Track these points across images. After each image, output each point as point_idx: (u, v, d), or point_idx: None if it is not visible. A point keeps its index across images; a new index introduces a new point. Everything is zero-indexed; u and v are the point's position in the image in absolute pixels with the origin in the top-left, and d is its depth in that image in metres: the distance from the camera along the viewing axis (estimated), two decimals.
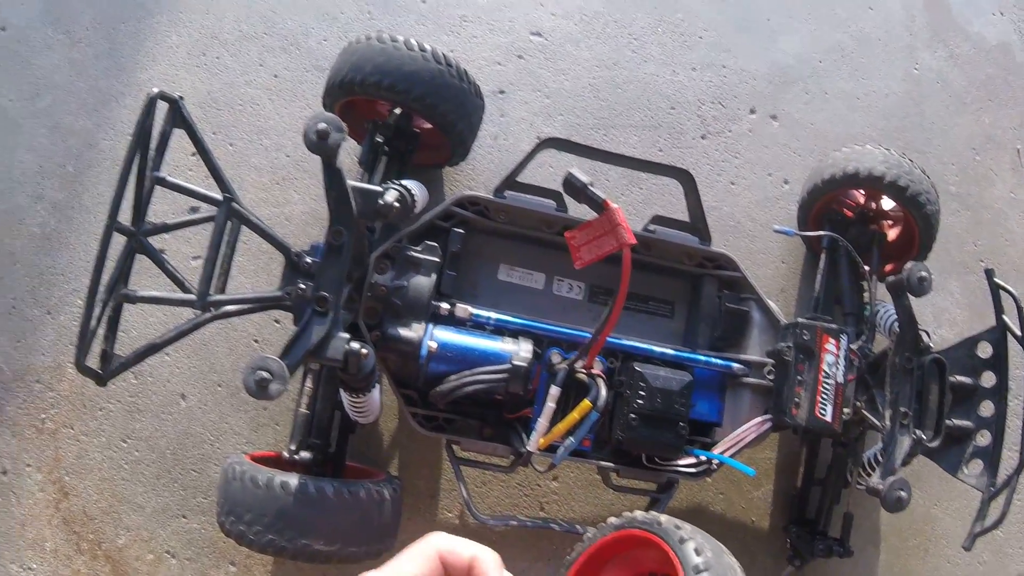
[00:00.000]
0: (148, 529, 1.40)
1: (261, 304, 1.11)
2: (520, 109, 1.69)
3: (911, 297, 1.23)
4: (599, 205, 1.03)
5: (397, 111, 1.36)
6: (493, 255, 1.26)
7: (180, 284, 1.09)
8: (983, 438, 1.30)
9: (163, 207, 1.41)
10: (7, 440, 1.42)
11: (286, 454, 1.23)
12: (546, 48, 1.75)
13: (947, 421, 1.29)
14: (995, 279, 1.29)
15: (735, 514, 1.55)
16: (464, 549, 0.57)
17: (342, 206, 1.05)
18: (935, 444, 1.27)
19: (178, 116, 1.08)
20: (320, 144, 0.98)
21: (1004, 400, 1.29)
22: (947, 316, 1.75)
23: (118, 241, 1.05)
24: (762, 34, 1.88)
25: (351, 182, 1.06)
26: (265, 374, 0.93)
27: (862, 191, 1.52)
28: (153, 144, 1.07)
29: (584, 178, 1.04)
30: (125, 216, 1.05)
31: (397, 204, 1.07)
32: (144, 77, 1.60)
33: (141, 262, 1.08)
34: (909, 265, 1.18)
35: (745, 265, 1.62)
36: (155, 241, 1.09)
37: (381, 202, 1.06)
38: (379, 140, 1.35)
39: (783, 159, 1.77)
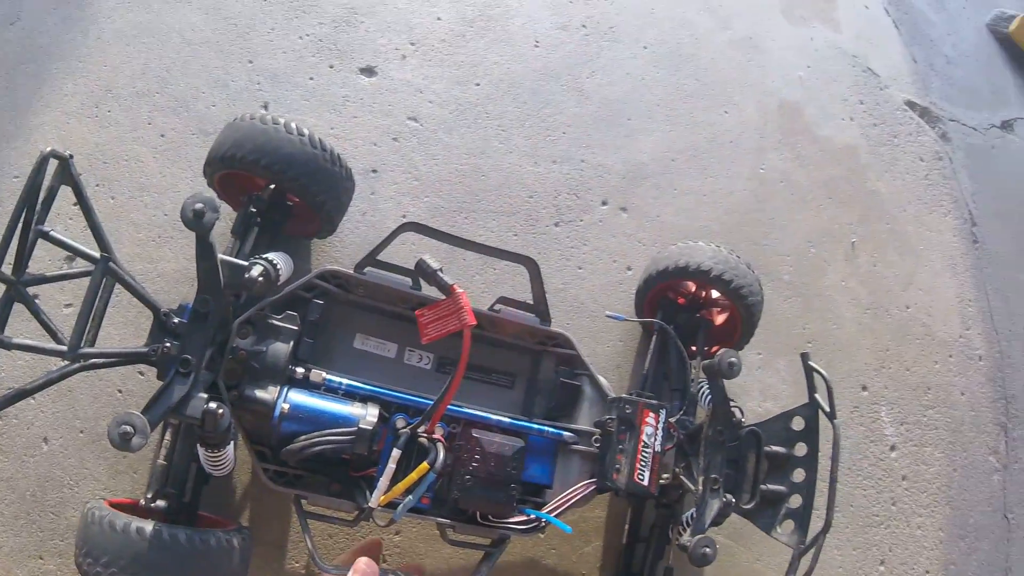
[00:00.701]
0: (4, 568, 1.43)
1: (128, 358, 1.20)
2: (390, 188, 1.82)
3: (724, 380, 1.38)
4: (446, 289, 1.18)
5: (271, 187, 1.47)
6: (350, 325, 1.38)
7: (54, 334, 1.17)
8: (795, 501, 1.44)
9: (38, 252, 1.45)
10: None
11: (143, 502, 1.31)
12: (420, 133, 1.89)
13: (762, 486, 1.44)
14: (809, 362, 1.44)
15: (566, 568, 1.67)
16: None
17: (211, 277, 1.16)
18: (751, 506, 1.42)
19: (67, 173, 1.16)
20: (195, 222, 1.09)
21: (814, 467, 1.44)
22: (772, 391, 1.93)
23: None
24: (622, 133, 2.07)
25: (221, 256, 1.17)
26: (128, 428, 1.02)
27: (692, 282, 1.69)
28: (40, 197, 1.14)
29: (434, 264, 1.19)
30: (6, 265, 1.12)
31: (261, 279, 1.19)
32: (36, 122, 1.68)
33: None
34: (720, 352, 1.35)
35: (586, 342, 1.81)
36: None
37: (247, 276, 1.18)
38: (253, 211, 1.46)
39: (628, 248, 1.94)
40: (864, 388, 2.04)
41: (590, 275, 1.90)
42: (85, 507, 1.23)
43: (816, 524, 1.39)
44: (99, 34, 1.78)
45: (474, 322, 1.15)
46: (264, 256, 1.29)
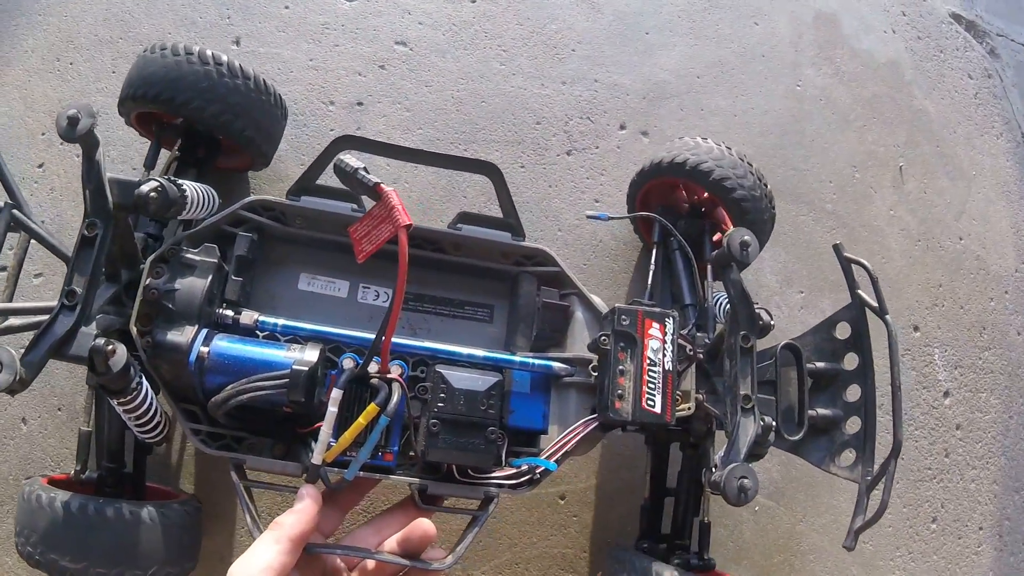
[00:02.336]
0: None
1: (40, 315, 0.97)
2: (378, 122, 1.55)
3: (740, 271, 1.03)
4: (372, 190, 0.86)
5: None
6: (293, 264, 1.10)
7: None
8: (853, 426, 1.11)
9: None
10: None
11: (71, 474, 1.12)
12: (410, 58, 1.61)
13: (810, 411, 1.10)
14: (844, 253, 1.10)
15: (591, 536, 1.40)
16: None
17: (98, 198, 0.90)
18: (799, 437, 1.08)
19: None
20: (70, 131, 0.85)
21: (871, 381, 1.09)
22: None
23: None
24: (639, 48, 1.75)
25: (110, 174, 0.91)
26: None
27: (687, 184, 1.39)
28: None
29: (355, 163, 0.87)
30: None
31: (154, 194, 0.92)
32: None
33: None
34: (730, 231, 1.00)
35: (606, 285, 1.51)
36: None
37: (137, 192, 0.91)
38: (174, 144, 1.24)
39: None
40: (916, 328, 1.72)
41: (608, 208, 1.59)
42: (22, 485, 1.08)
43: (884, 450, 1.05)
44: None
45: (409, 222, 0.83)
46: (168, 176, 1.01)
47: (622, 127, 1.68)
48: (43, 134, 1.43)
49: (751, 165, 1.29)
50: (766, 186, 1.31)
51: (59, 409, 1.31)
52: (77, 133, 0.85)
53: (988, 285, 1.82)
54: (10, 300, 0.99)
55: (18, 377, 0.81)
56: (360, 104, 1.55)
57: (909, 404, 1.66)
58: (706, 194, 1.33)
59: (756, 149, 1.73)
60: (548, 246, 1.11)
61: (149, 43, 1.21)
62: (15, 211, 0.97)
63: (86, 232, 0.90)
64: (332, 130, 1.51)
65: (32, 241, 1.06)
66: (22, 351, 0.86)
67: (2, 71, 1.47)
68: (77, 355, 0.88)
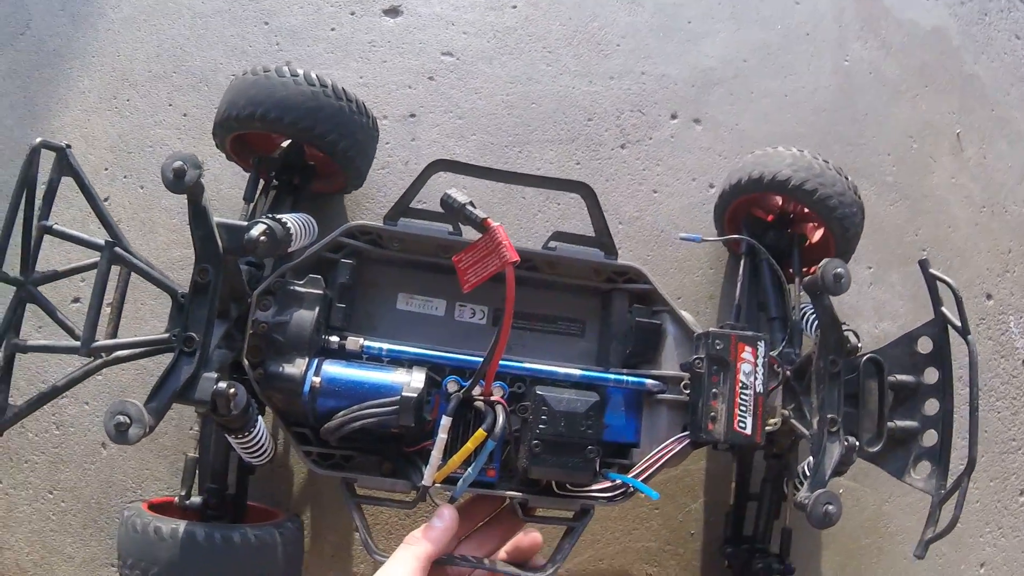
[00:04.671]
0: None
1: (149, 347, 1.03)
2: (431, 132, 1.62)
3: (832, 297, 1.11)
4: (480, 225, 0.94)
5: (285, 143, 1.31)
6: (390, 285, 1.17)
7: (71, 332, 1.03)
8: (930, 438, 1.18)
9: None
10: None
11: (176, 500, 1.18)
12: (457, 68, 1.68)
13: (889, 423, 1.17)
14: (930, 270, 1.17)
15: (672, 527, 1.46)
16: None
17: (208, 244, 0.98)
18: (877, 448, 1.16)
19: (65, 164, 1.03)
20: (177, 183, 0.91)
21: (950, 396, 1.17)
22: (888, 309, 1.66)
23: (8, 292, 1.01)
24: (683, 38, 1.80)
25: (218, 219, 0.99)
26: (123, 418, 0.87)
27: (775, 195, 1.44)
28: (42, 193, 1.03)
29: (462, 198, 0.96)
30: (14, 266, 1.01)
31: (264, 238, 0.99)
32: (57, 124, 1.55)
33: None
34: (824, 263, 1.07)
35: (671, 275, 1.57)
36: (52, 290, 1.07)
37: (247, 237, 0.98)
38: (271, 174, 1.30)
39: (707, 163, 1.69)
40: (989, 297, 1.75)
41: (667, 198, 1.65)
42: (123, 511, 1.14)
43: (958, 464, 1.13)
44: (108, 25, 1.63)
45: (516, 258, 0.91)
46: (272, 215, 1.08)
47: (674, 116, 1.73)
48: (106, 169, 1.51)
49: (847, 179, 1.34)
50: (859, 198, 1.36)
51: None
52: (185, 184, 0.91)
53: None
54: (115, 334, 1.05)
55: (147, 430, 0.89)
56: (413, 116, 1.62)
57: (988, 374, 1.69)
58: (804, 207, 1.38)
59: (810, 128, 1.77)
60: (629, 255, 1.18)
61: (248, 66, 1.27)
62: (116, 248, 1.03)
63: (199, 279, 0.98)
64: (388, 143, 1.58)
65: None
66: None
67: (61, 112, 1.55)
68: (200, 399, 0.96)
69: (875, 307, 1.66)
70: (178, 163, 0.91)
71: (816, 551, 1.51)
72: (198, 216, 0.96)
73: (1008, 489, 1.64)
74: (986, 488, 1.63)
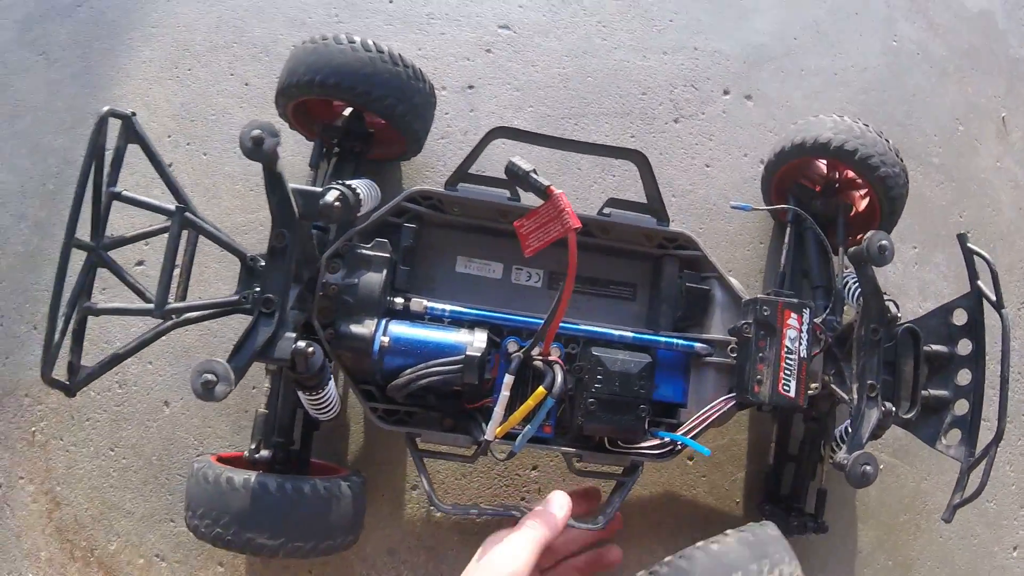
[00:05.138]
0: (138, 534, 1.40)
1: (220, 309, 1.10)
2: (490, 103, 1.67)
3: (875, 268, 1.16)
4: (543, 191, 1.00)
5: (347, 111, 1.37)
6: (450, 248, 1.24)
7: (141, 294, 1.10)
8: (961, 407, 1.24)
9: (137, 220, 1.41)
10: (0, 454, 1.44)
11: (246, 453, 1.24)
12: (514, 41, 1.73)
13: (923, 391, 1.23)
14: (968, 244, 1.22)
15: (719, 495, 1.52)
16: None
17: (284, 209, 1.04)
18: (911, 415, 1.21)
19: (131, 132, 1.09)
20: (256, 151, 0.97)
21: (982, 367, 1.23)
22: (932, 289, 1.70)
23: (80, 256, 1.07)
24: (734, 14, 1.84)
25: (292, 185, 1.05)
26: (210, 376, 0.93)
27: (824, 162, 1.48)
28: (110, 160, 1.08)
29: (526, 166, 1.02)
30: (85, 231, 1.07)
31: (338, 204, 1.05)
32: (118, 93, 1.61)
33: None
34: (869, 234, 1.12)
35: (723, 247, 1.62)
36: (116, 254, 1.11)
37: (322, 202, 1.05)
38: (333, 141, 1.36)
39: (759, 139, 1.73)
40: None
41: (720, 172, 1.70)
42: (192, 464, 1.19)
43: (986, 434, 1.18)
44: None
45: (578, 224, 0.97)
46: (342, 181, 1.15)
47: (726, 92, 1.77)
48: (168, 137, 1.58)
49: (888, 141, 1.38)
50: (902, 159, 1.39)
51: None
52: (264, 151, 0.97)
53: None
54: (184, 296, 1.11)
55: (232, 386, 0.95)
56: (471, 87, 1.68)
57: None
58: (848, 172, 1.42)
59: (859, 107, 1.80)
60: (681, 226, 1.23)
61: (308, 35, 1.31)
62: (186, 213, 1.09)
63: (275, 243, 1.05)
64: (447, 113, 1.63)
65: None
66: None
67: (122, 82, 1.62)
68: (280, 358, 1.03)
69: (920, 286, 1.70)
70: (256, 131, 0.96)
71: (853, 524, 1.55)
72: (274, 182, 1.03)
73: None
74: (1023, 472, 1.66)
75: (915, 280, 1.70)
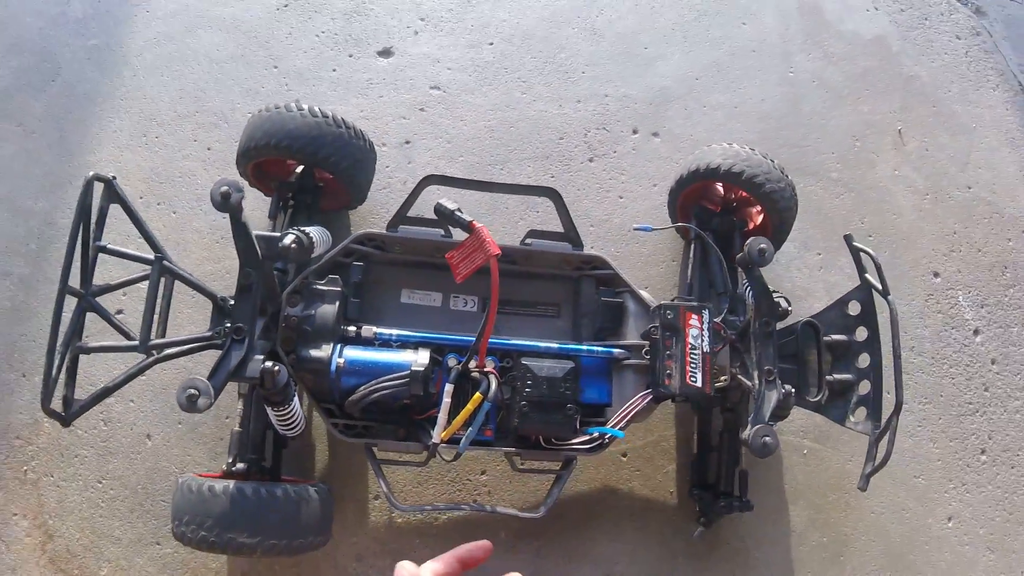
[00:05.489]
0: (127, 559, 1.53)
1: (196, 343, 1.27)
2: (425, 155, 1.87)
3: (763, 270, 1.35)
4: (466, 226, 1.19)
5: (299, 169, 1.56)
6: (394, 282, 1.42)
7: (126, 334, 1.25)
8: (864, 387, 1.40)
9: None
10: None
11: (224, 467, 1.40)
12: (445, 99, 1.93)
13: (828, 377, 1.40)
14: (854, 243, 1.40)
15: (653, 487, 1.68)
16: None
17: (249, 252, 1.22)
18: (820, 399, 1.39)
19: (112, 193, 1.24)
20: (224, 203, 1.14)
21: (878, 349, 1.39)
22: (838, 290, 1.83)
23: (71, 303, 1.20)
24: (640, 62, 2.06)
25: (256, 231, 1.23)
26: (193, 391, 1.10)
27: (720, 185, 1.67)
28: (94, 218, 1.23)
29: (451, 205, 1.21)
30: (75, 281, 1.20)
31: (294, 245, 1.25)
32: (92, 160, 1.78)
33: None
34: (749, 240, 1.31)
35: (640, 267, 1.81)
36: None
37: (281, 244, 1.24)
38: (288, 195, 1.55)
39: (666, 170, 1.92)
40: (936, 275, 1.96)
41: (632, 202, 1.90)
42: (177, 479, 1.35)
43: (889, 407, 1.34)
44: (134, 72, 1.88)
45: (498, 251, 1.16)
46: (297, 227, 1.34)
47: (635, 131, 1.97)
48: (141, 198, 1.75)
49: (773, 161, 1.57)
50: (787, 176, 1.58)
51: (179, 423, 1.61)
52: (231, 204, 1.14)
53: (1004, 227, 2.04)
54: (163, 334, 1.26)
55: (212, 400, 1.12)
56: (408, 142, 1.87)
57: (940, 344, 1.89)
58: (741, 192, 1.60)
59: (758, 135, 2.01)
60: (599, 251, 1.43)
61: (262, 104, 1.49)
62: (164, 262, 1.25)
63: (243, 280, 1.23)
64: (387, 166, 1.82)
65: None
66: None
67: (96, 149, 1.79)
68: (251, 376, 1.21)
69: (825, 288, 1.88)
70: (224, 187, 1.14)
71: (784, 507, 1.71)
72: (239, 230, 1.20)
73: (968, 448, 1.82)
74: (947, 448, 1.81)
75: (821, 283, 1.89)
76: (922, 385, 1.84)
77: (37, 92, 1.85)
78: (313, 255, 1.36)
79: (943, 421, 1.84)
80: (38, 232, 1.72)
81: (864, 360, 1.43)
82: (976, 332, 1.93)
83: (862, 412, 1.40)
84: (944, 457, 1.81)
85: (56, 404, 1.19)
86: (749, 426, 1.29)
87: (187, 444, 1.61)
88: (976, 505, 1.79)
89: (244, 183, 1.21)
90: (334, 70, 1.92)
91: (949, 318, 1.93)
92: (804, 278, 1.89)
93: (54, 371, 1.18)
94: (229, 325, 1.23)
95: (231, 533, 1.23)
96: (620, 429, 1.34)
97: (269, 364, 1.20)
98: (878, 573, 1.70)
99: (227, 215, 1.17)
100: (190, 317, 1.67)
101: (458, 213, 1.21)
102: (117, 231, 1.59)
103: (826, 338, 1.43)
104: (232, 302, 1.26)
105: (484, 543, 0.75)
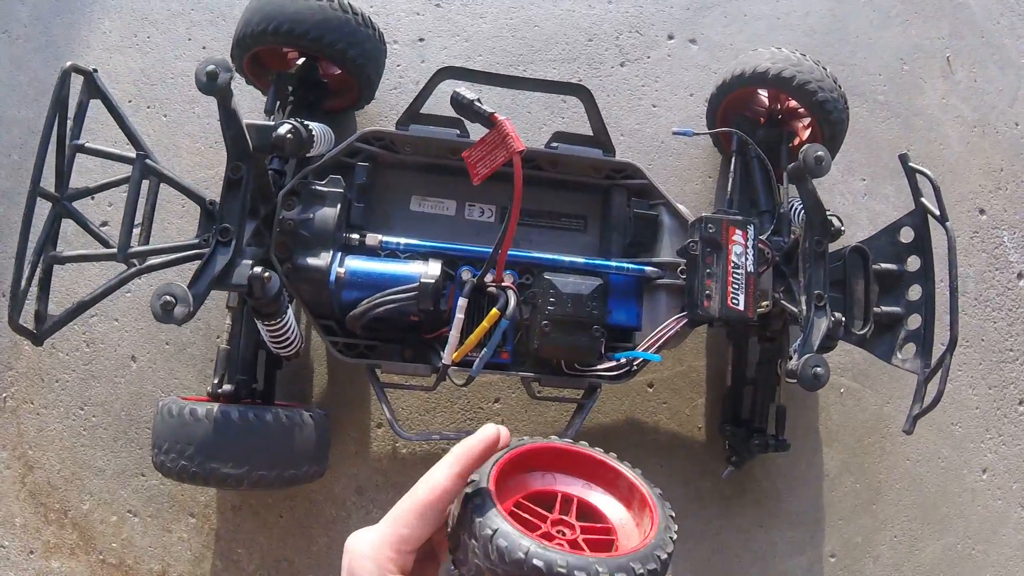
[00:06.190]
0: (110, 491, 1.43)
1: (181, 252, 1.12)
2: (440, 55, 1.70)
3: (816, 183, 1.20)
4: (487, 119, 1.03)
5: (300, 62, 1.39)
6: (404, 188, 1.27)
7: (105, 243, 1.12)
8: (914, 322, 1.27)
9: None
10: None
11: (209, 389, 1.26)
12: None
13: (875, 309, 1.27)
14: (910, 163, 1.25)
15: (680, 421, 1.56)
16: (445, 479, 0.59)
17: (239, 142, 1.07)
18: (865, 332, 1.25)
19: (93, 87, 1.12)
20: (210, 85, 1.00)
21: (931, 281, 1.26)
22: (882, 219, 1.71)
23: (45, 209, 1.08)
24: None
25: (247, 120, 1.08)
26: (169, 298, 0.96)
27: (766, 94, 1.52)
28: (72, 115, 1.11)
29: (471, 95, 1.04)
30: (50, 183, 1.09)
31: (291, 136, 1.08)
32: (80, 63, 1.61)
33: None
34: (805, 147, 1.16)
35: (672, 182, 1.65)
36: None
37: (275, 134, 1.08)
38: (288, 90, 1.38)
39: (704, 79, 1.76)
40: (982, 212, 1.82)
41: (666, 112, 1.74)
42: (157, 403, 1.22)
43: (941, 344, 1.20)
44: None
45: (522, 147, 1.00)
46: (296, 118, 1.17)
47: (670, 37, 1.80)
48: (130, 101, 1.60)
49: (825, 69, 1.42)
50: (840, 87, 1.43)
51: (167, 343, 1.48)
52: (217, 85, 1.00)
53: None
54: (147, 243, 1.12)
55: (190, 310, 0.98)
56: (422, 40, 1.70)
57: (983, 286, 1.76)
58: (790, 102, 1.46)
59: (802, 48, 1.78)
60: (658, 170, 1.25)
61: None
62: (147, 160, 1.11)
63: (231, 174, 1.08)
64: (399, 65, 1.67)
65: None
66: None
67: (84, 53, 1.64)
68: (237, 284, 1.06)
69: (869, 217, 1.74)
70: (211, 67, 1.00)
71: (818, 448, 1.59)
72: (229, 117, 1.05)
73: (1007, 398, 1.71)
74: (985, 395, 1.70)
75: (865, 211, 1.74)
76: (964, 327, 1.70)
77: None
78: (313, 152, 1.20)
79: (983, 367, 1.72)
80: (21, 142, 1.59)
81: (915, 292, 1.29)
82: (1020, 276, 1.79)
83: (911, 348, 1.26)
84: (982, 405, 1.70)
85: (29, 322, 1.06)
86: (796, 355, 1.15)
87: (174, 366, 1.48)
88: (1011, 459, 1.68)
89: (234, 70, 1.05)
90: None
91: (993, 258, 1.79)
92: (848, 205, 1.74)
93: (23, 282, 1.05)
94: (215, 226, 1.09)
95: (215, 463, 1.10)
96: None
97: (258, 270, 1.05)
98: (908, 523, 1.60)
99: (214, 99, 1.03)
100: (179, 228, 1.53)
101: (477, 104, 1.04)
102: (102, 137, 1.46)
103: (875, 267, 1.28)
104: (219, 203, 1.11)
105: (487, 434, 0.63)
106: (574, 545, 0.60)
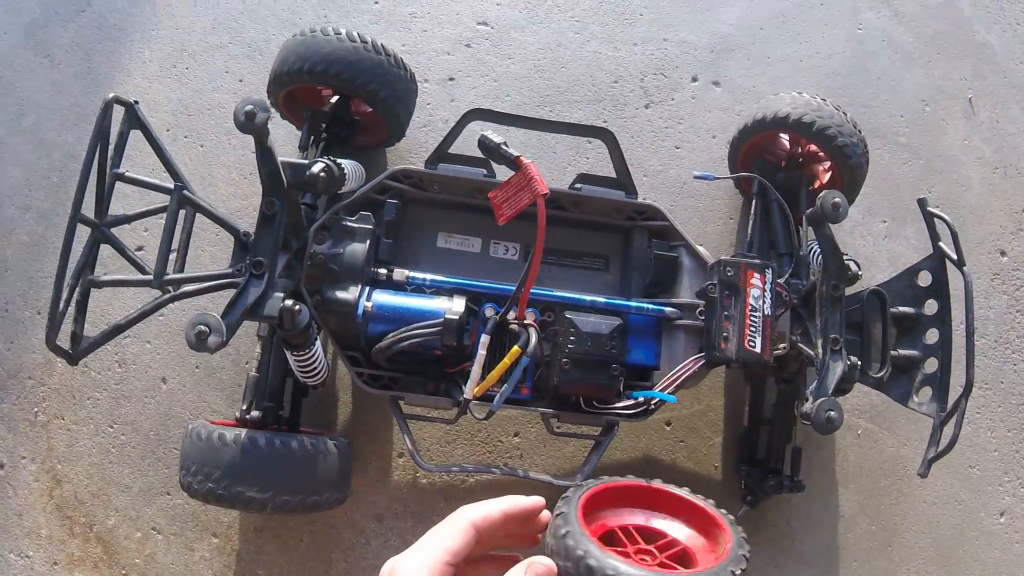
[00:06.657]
0: (135, 508, 1.45)
1: (215, 281, 1.15)
2: (469, 94, 1.73)
3: (835, 229, 1.21)
4: (513, 162, 1.06)
5: (333, 100, 1.43)
6: (431, 224, 1.30)
7: (141, 269, 1.15)
8: (931, 365, 1.27)
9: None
10: (3, 435, 1.48)
11: (237, 414, 1.29)
12: (492, 36, 1.79)
13: (893, 352, 1.27)
14: (928, 208, 1.26)
15: (697, 460, 1.56)
16: (492, 509, 0.62)
17: (274, 179, 1.10)
18: (882, 375, 1.25)
19: (134, 118, 1.16)
20: (248, 124, 1.03)
21: (948, 325, 1.26)
22: (903, 261, 1.72)
23: (84, 235, 1.12)
24: (702, 6, 1.90)
25: (281, 158, 1.11)
26: (203, 327, 0.99)
27: (787, 137, 1.53)
28: (113, 144, 1.14)
29: (497, 138, 1.07)
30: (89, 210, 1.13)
31: (324, 174, 1.12)
32: (120, 91, 1.63)
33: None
34: (823, 193, 1.17)
35: (694, 223, 1.67)
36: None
37: (309, 173, 1.11)
38: (321, 127, 1.42)
39: (726, 121, 1.77)
40: (1003, 253, 1.81)
41: (689, 153, 1.75)
42: (187, 425, 1.24)
43: (957, 389, 1.20)
44: (167, 1, 1.77)
45: (546, 191, 1.03)
46: (329, 157, 1.21)
47: (694, 79, 1.82)
48: (168, 130, 1.64)
49: (845, 114, 1.43)
50: (860, 131, 1.44)
51: (197, 367, 1.51)
52: (255, 125, 1.03)
53: None
54: (181, 270, 1.16)
55: (224, 339, 1.01)
56: (451, 79, 1.74)
57: (1004, 328, 1.75)
58: (810, 146, 1.47)
59: (824, 91, 1.84)
60: (671, 212, 1.28)
61: (297, 30, 1.37)
62: (184, 191, 1.15)
63: (265, 210, 1.11)
64: (429, 104, 1.70)
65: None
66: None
67: (124, 81, 1.69)
68: (269, 315, 1.09)
69: (890, 259, 1.74)
70: (249, 107, 1.03)
71: (834, 488, 1.59)
72: (264, 154, 1.09)
73: None
74: (1004, 438, 1.68)
75: (885, 252, 1.74)
76: (983, 369, 1.70)
77: (66, 23, 1.74)
78: (344, 189, 1.23)
79: (1002, 409, 1.70)
80: (60, 165, 1.63)
81: (932, 336, 1.29)
82: None
83: (927, 392, 1.26)
84: (1001, 448, 1.68)
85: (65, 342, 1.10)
86: (811, 399, 1.15)
87: (203, 390, 1.51)
88: None
89: (272, 109, 1.09)
90: (376, 2, 1.79)
91: (1015, 300, 1.78)
92: (868, 246, 1.74)
93: (61, 304, 1.09)
94: (249, 258, 1.12)
95: (240, 486, 1.12)
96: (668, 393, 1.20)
97: (289, 302, 1.08)
98: (924, 566, 1.58)
99: (251, 138, 1.06)
100: (213, 256, 1.56)
101: (504, 147, 1.06)
102: (140, 164, 1.50)
103: (892, 310, 1.29)
104: (253, 236, 1.14)
105: (537, 500, 0.65)
106: (663, 566, 0.65)
